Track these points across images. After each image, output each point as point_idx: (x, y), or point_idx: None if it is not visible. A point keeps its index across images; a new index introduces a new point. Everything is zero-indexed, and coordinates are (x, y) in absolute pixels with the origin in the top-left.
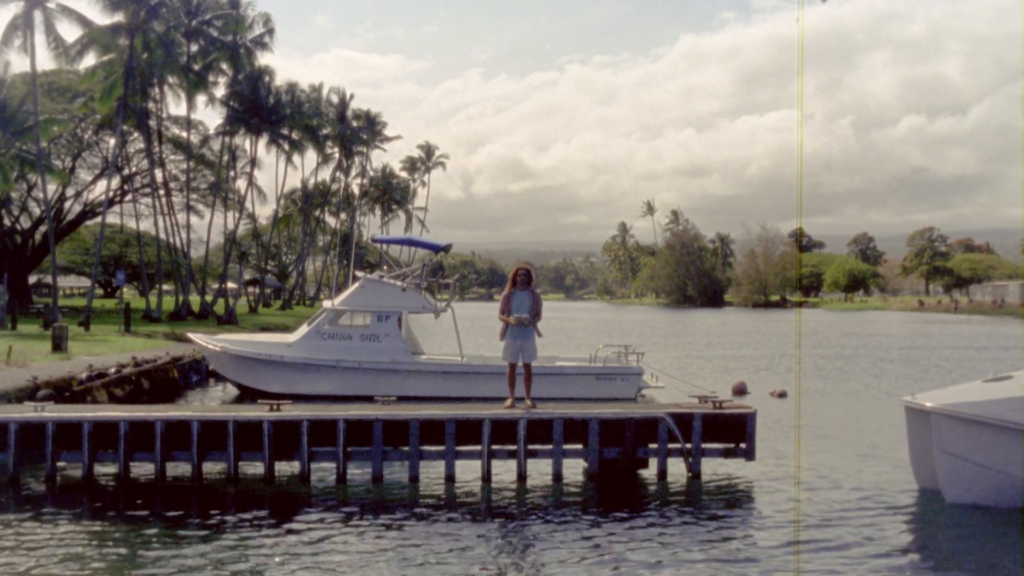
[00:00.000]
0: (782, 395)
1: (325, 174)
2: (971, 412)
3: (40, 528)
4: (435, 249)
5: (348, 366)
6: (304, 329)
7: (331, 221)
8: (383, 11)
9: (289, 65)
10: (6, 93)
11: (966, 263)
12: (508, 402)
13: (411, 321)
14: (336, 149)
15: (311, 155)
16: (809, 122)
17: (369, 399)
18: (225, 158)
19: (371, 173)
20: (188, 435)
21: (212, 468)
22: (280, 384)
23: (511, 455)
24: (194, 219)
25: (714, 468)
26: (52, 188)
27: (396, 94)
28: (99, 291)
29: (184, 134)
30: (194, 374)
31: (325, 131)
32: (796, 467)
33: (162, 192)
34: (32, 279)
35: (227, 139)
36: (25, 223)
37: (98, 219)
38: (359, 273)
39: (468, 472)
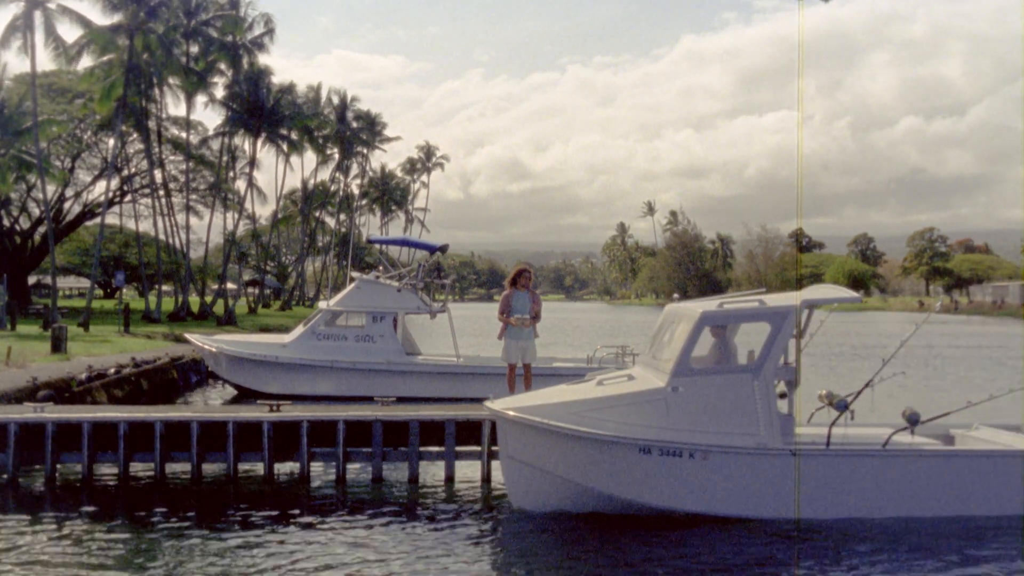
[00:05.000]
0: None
1: (324, 175)
2: (525, 417)
3: (40, 528)
4: (431, 250)
5: (343, 367)
6: (300, 330)
7: (330, 222)
8: (384, 12)
9: (290, 66)
10: (5, 94)
11: (966, 264)
12: None
13: (409, 322)
14: (336, 150)
15: (311, 156)
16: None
17: (366, 399)
18: (224, 158)
19: (370, 174)
20: (188, 436)
21: (212, 469)
22: (275, 385)
23: None
24: (193, 220)
25: None
26: (51, 189)
27: (397, 95)
28: (98, 292)
29: (183, 134)
30: (194, 375)
31: (324, 132)
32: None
33: (161, 193)
34: (32, 280)
35: (226, 139)
36: (24, 224)
37: (97, 220)
38: (355, 274)
39: (468, 473)
